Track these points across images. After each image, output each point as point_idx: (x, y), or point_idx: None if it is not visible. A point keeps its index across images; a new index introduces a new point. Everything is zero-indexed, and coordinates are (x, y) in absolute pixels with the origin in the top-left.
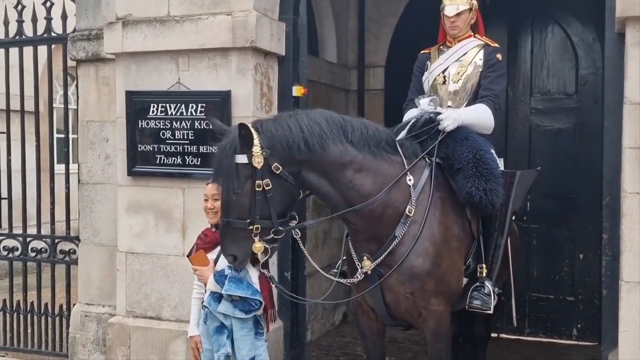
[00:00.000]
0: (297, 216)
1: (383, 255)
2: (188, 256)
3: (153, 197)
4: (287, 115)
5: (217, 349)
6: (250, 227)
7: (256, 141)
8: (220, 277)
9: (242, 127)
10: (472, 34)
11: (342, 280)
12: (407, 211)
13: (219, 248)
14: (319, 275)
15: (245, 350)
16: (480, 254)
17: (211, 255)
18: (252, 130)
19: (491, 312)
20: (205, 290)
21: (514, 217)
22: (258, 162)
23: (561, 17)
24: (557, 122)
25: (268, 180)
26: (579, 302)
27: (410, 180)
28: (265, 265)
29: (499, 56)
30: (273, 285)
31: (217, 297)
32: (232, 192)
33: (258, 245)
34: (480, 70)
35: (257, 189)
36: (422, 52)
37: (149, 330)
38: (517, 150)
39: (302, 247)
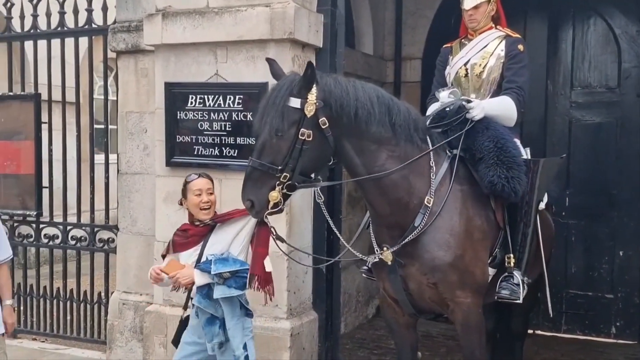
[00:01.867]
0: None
1: (402, 244)
2: (163, 256)
3: None
4: (345, 79)
5: (210, 339)
6: (279, 174)
7: (313, 89)
8: (205, 265)
9: (310, 66)
10: (492, 25)
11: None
12: (426, 201)
13: (201, 243)
14: (353, 269)
15: (239, 339)
16: (507, 244)
17: (194, 251)
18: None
19: (520, 301)
20: (191, 297)
21: (553, 209)
22: (310, 110)
23: (604, 9)
24: (598, 116)
25: (311, 132)
26: (618, 299)
27: (432, 170)
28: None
29: (520, 47)
30: (277, 243)
31: (206, 294)
32: (275, 133)
33: (274, 194)
34: (502, 61)
35: (300, 137)
36: (444, 46)
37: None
38: (556, 144)
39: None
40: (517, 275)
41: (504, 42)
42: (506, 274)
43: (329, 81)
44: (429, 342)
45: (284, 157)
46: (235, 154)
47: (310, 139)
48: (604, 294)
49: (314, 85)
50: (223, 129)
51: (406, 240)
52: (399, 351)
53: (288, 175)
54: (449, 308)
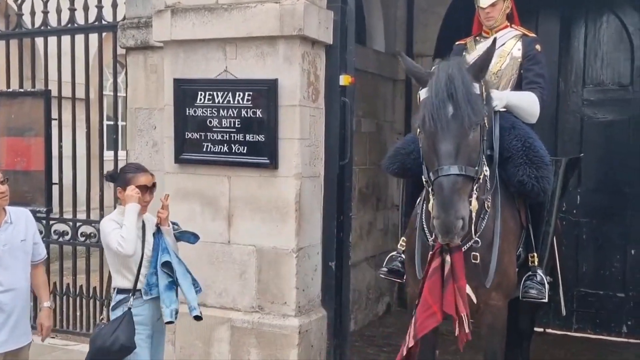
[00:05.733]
0: None
1: (469, 245)
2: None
3: (199, 185)
4: None
5: (168, 304)
6: (477, 176)
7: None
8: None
9: (494, 42)
10: (508, 24)
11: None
12: (485, 206)
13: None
14: (363, 266)
15: (193, 295)
16: (530, 243)
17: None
18: None
19: (546, 300)
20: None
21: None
22: (485, 95)
23: (617, 6)
24: (610, 114)
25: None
26: (629, 298)
27: (486, 171)
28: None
29: (538, 47)
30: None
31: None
32: (470, 126)
33: (475, 203)
34: (520, 61)
35: (484, 126)
36: (457, 43)
37: None
38: (568, 142)
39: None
40: (541, 274)
41: (520, 41)
42: (530, 273)
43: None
44: (438, 339)
45: (478, 153)
46: (245, 151)
47: (487, 126)
48: (615, 293)
49: None
50: (232, 125)
51: (469, 244)
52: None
53: (481, 175)
54: (479, 310)
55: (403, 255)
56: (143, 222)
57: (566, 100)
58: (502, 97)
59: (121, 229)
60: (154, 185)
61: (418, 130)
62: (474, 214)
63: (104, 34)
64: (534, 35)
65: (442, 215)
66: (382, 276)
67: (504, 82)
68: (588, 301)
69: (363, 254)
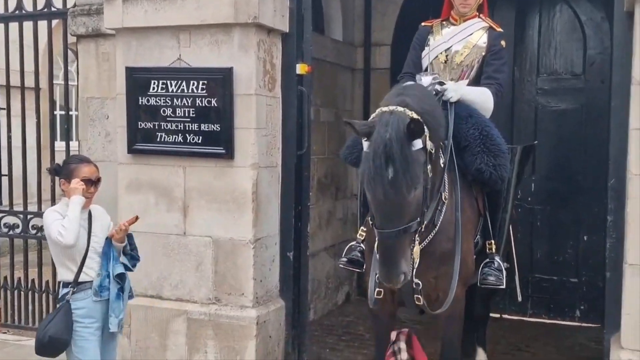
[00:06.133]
0: None
1: (423, 244)
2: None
3: (154, 176)
4: (418, 88)
5: (118, 314)
6: (421, 222)
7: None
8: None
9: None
10: (477, 13)
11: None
12: (443, 197)
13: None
14: (322, 255)
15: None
16: (487, 231)
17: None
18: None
19: (504, 287)
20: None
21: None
22: (430, 145)
23: None
24: (563, 103)
25: (430, 166)
26: (582, 283)
27: (443, 162)
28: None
29: (503, 43)
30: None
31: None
32: (409, 191)
33: (417, 249)
34: (483, 54)
35: (429, 175)
36: (423, 24)
37: (150, 309)
38: (522, 130)
39: None
40: (498, 261)
41: (486, 34)
42: (487, 260)
43: (417, 103)
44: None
45: (420, 205)
46: (200, 141)
47: (431, 173)
48: (568, 278)
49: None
50: (187, 115)
51: (429, 238)
52: (379, 338)
53: (427, 219)
54: (438, 299)
55: (362, 245)
56: (90, 213)
57: (521, 89)
58: (457, 90)
59: (63, 220)
60: (98, 179)
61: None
62: (417, 260)
63: (54, 22)
64: (500, 30)
65: (384, 270)
66: (342, 266)
67: (464, 73)
68: (542, 287)
69: (322, 243)
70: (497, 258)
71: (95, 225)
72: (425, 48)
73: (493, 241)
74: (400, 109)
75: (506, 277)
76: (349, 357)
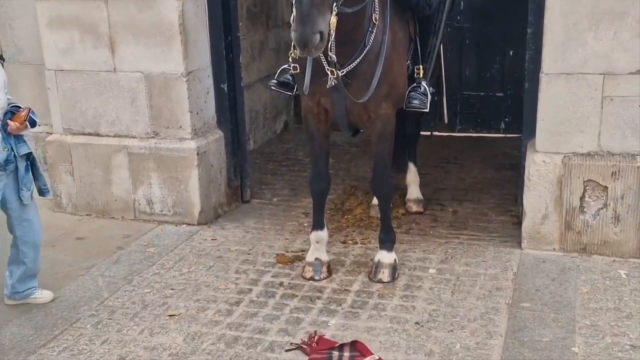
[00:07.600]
0: None
1: (355, 63)
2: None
3: (75, 11)
4: None
5: (29, 187)
6: None
7: None
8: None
9: None
10: None
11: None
12: (373, 19)
13: None
14: (258, 86)
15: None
16: (417, 56)
17: None
18: None
19: (427, 110)
20: None
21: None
22: None
23: None
24: None
25: None
26: (507, 97)
27: None
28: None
29: None
30: None
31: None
32: None
33: (334, 20)
34: None
35: None
36: None
37: (89, 147)
38: None
39: None
40: (425, 85)
41: None
42: (414, 84)
43: None
44: (335, 150)
45: None
46: None
47: None
48: (494, 93)
49: None
50: None
51: (360, 58)
52: (316, 157)
53: None
54: (370, 120)
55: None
56: None
57: None
58: None
59: None
60: None
61: None
62: (332, 31)
63: None
64: None
65: (300, 28)
66: (273, 88)
67: None
68: (470, 103)
69: (257, 74)
70: (423, 83)
71: None
72: None
73: (422, 66)
74: None
75: (435, 97)
76: (290, 180)
